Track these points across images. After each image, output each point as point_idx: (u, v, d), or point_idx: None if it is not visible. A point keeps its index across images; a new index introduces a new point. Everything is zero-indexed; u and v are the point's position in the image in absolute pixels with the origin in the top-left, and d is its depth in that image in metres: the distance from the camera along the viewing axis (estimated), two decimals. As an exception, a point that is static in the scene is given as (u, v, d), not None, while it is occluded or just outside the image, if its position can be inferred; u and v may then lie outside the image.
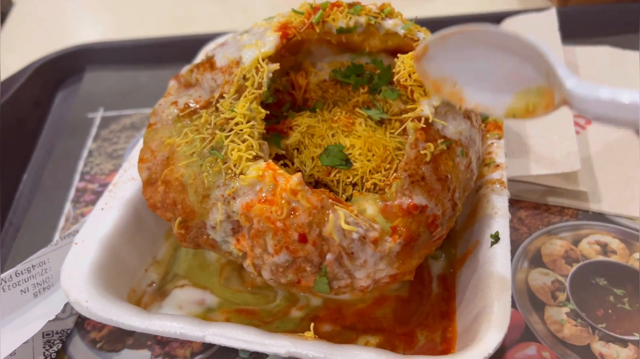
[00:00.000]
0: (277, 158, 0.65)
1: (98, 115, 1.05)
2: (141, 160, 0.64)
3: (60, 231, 0.84)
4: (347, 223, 0.54)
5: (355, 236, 0.54)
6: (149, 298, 0.71)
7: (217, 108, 0.63)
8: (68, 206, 0.88)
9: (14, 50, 1.32)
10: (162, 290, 0.72)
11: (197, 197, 0.58)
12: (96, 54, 1.17)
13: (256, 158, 0.58)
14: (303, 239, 0.54)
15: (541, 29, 1.02)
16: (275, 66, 0.64)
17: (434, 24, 0.72)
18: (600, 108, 0.40)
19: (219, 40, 0.97)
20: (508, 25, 1.06)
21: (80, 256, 0.65)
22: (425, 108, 0.58)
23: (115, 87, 1.12)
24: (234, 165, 0.57)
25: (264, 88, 0.62)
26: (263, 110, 0.61)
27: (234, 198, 0.56)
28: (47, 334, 0.68)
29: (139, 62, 1.16)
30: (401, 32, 0.67)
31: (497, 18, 1.09)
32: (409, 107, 0.62)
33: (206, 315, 0.69)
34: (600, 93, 0.40)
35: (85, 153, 0.97)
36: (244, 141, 0.58)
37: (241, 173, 0.56)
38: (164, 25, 1.38)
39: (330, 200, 0.56)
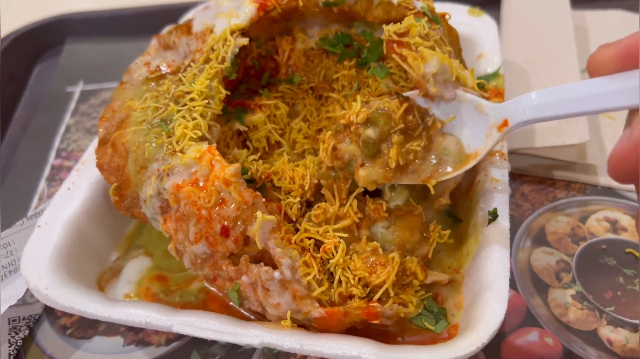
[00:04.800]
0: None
1: (77, 89, 1.01)
2: (102, 117, 0.63)
3: (32, 211, 0.80)
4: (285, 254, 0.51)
5: (277, 276, 0.51)
6: (110, 275, 0.67)
7: (180, 78, 0.61)
8: (42, 184, 0.84)
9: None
10: (120, 266, 0.69)
11: (136, 167, 0.57)
12: (76, 25, 1.12)
13: (202, 139, 0.56)
14: (225, 233, 0.51)
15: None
16: (244, 41, 0.61)
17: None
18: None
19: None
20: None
21: (43, 239, 0.61)
22: None
23: (96, 59, 1.07)
24: (177, 142, 0.55)
25: (227, 64, 0.60)
26: (224, 91, 0.59)
27: (167, 175, 0.55)
28: (13, 321, 0.64)
29: (122, 33, 1.11)
30: (394, 1, 0.64)
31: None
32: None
33: (140, 284, 0.66)
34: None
35: (62, 129, 0.93)
36: (194, 119, 0.56)
37: (181, 151, 0.55)
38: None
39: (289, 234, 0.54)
